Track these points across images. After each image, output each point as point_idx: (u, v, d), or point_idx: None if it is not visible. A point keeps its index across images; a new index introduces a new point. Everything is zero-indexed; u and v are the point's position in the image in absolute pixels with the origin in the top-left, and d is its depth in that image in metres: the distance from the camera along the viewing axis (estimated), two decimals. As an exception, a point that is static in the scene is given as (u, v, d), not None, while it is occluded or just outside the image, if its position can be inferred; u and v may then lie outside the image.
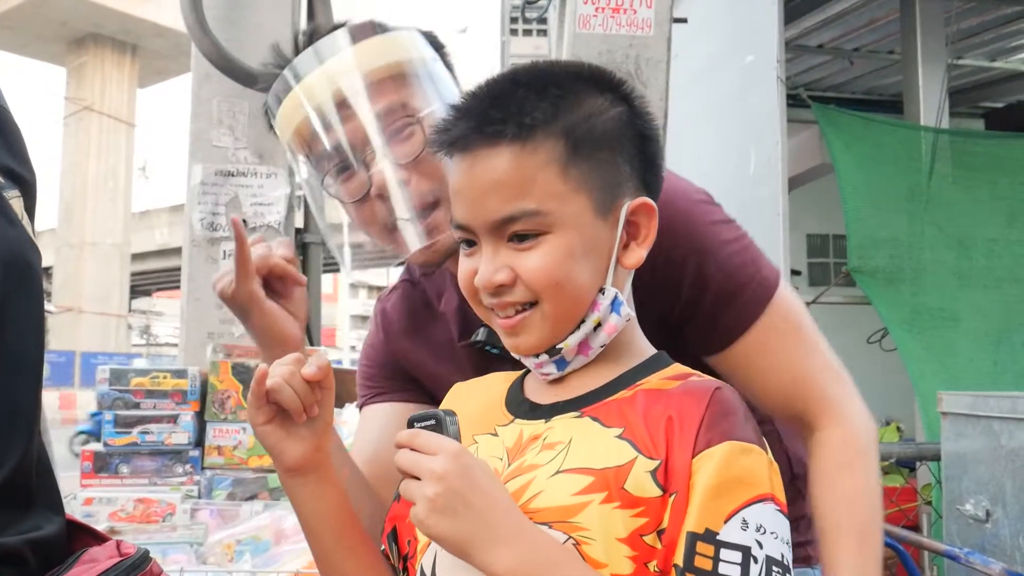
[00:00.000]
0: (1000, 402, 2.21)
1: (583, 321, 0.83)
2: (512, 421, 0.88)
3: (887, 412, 3.89)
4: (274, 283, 1.06)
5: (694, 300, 1.04)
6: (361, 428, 1.29)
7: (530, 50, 9.07)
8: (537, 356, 0.85)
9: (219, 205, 3.03)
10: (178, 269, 3.16)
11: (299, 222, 3.48)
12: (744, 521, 0.73)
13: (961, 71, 5.22)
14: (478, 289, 0.84)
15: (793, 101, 4.49)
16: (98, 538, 0.94)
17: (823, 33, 4.56)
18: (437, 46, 1.16)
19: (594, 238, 0.82)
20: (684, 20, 3.13)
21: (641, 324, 0.94)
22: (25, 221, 0.91)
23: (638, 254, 0.85)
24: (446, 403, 0.99)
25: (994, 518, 2.20)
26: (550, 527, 0.76)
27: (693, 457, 0.74)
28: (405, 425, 0.87)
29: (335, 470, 0.92)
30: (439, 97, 1.06)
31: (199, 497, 2.71)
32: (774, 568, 0.73)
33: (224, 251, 3.04)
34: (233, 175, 3.05)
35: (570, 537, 0.76)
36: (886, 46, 4.62)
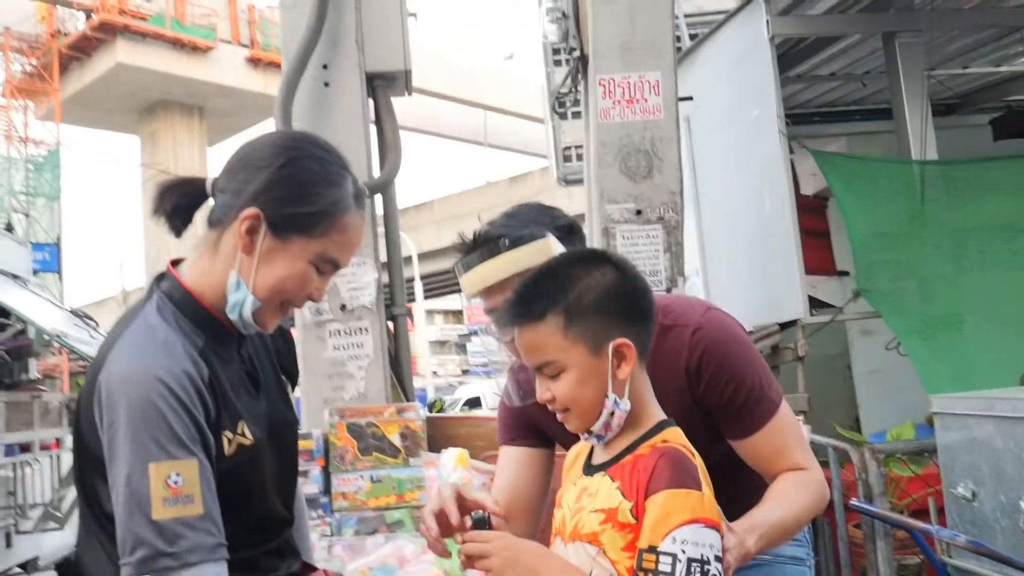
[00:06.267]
0: (969, 402, 2.69)
1: (601, 414, 1.38)
2: (581, 477, 1.45)
3: (911, 410, 4.26)
4: None
5: (728, 402, 1.58)
6: (501, 466, 1.85)
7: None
8: (584, 435, 1.41)
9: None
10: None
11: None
12: (674, 538, 1.22)
13: (967, 77, 5.61)
14: None
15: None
16: (314, 569, 1.57)
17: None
18: (569, 230, 1.67)
19: (593, 368, 1.36)
20: (690, 98, 3.66)
21: (694, 413, 1.50)
22: None
23: (626, 371, 1.37)
24: (566, 464, 1.53)
25: (979, 498, 2.66)
26: (589, 543, 1.33)
27: (645, 499, 1.28)
28: (532, 466, 1.69)
29: None
30: None
31: (332, 535, 3.32)
32: (693, 563, 1.22)
33: (329, 331, 3.69)
34: (330, 267, 3.69)
35: (600, 548, 1.31)
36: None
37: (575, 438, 1.48)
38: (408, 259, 21.07)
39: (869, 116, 6.00)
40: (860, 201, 3.70)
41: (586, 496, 1.38)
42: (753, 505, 1.53)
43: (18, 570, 7.39)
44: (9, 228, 9.49)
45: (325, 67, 3.75)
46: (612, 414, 1.35)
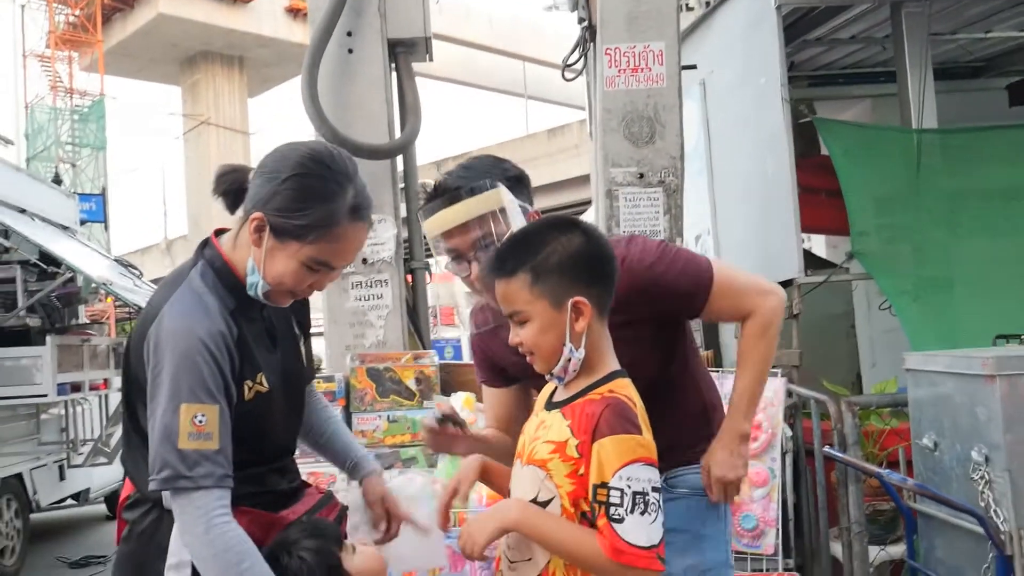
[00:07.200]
0: (936, 360, 2.88)
1: (559, 359, 1.63)
2: (542, 411, 1.70)
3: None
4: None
5: (672, 297, 1.86)
6: (485, 402, 2.20)
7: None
8: (547, 375, 1.67)
9: (345, 248, 3.94)
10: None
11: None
12: (620, 476, 1.45)
13: (989, 41, 5.63)
14: None
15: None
16: (308, 486, 1.86)
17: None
18: (518, 180, 1.93)
19: (553, 320, 1.59)
20: (693, 66, 3.82)
21: (650, 331, 1.78)
22: None
23: (582, 324, 1.60)
24: (538, 399, 1.79)
25: (940, 448, 2.87)
26: (539, 467, 1.58)
27: (592, 442, 1.51)
28: (508, 400, 2.05)
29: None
30: (515, 220, 1.85)
31: (352, 469, 3.64)
32: (637, 496, 1.47)
33: (352, 282, 3.97)
34: (353, 223, 3.95)
35: (547, 473, 1.56)
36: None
37: (539, 379, 1.74)
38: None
39: (894, 78, 6.05)
40: (857, 166, 3.85)
41: (542, 428, 1.64)
42: (699, 406, 1.96)
43: (71, 501, 7.93)
44: (57, 180, 9.90)
45: (349, 34, 3.97)
46: (569, 360, 1.59)
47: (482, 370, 2.13)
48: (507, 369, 2.04)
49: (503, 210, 1.84)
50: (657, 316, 1.88)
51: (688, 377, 1.99)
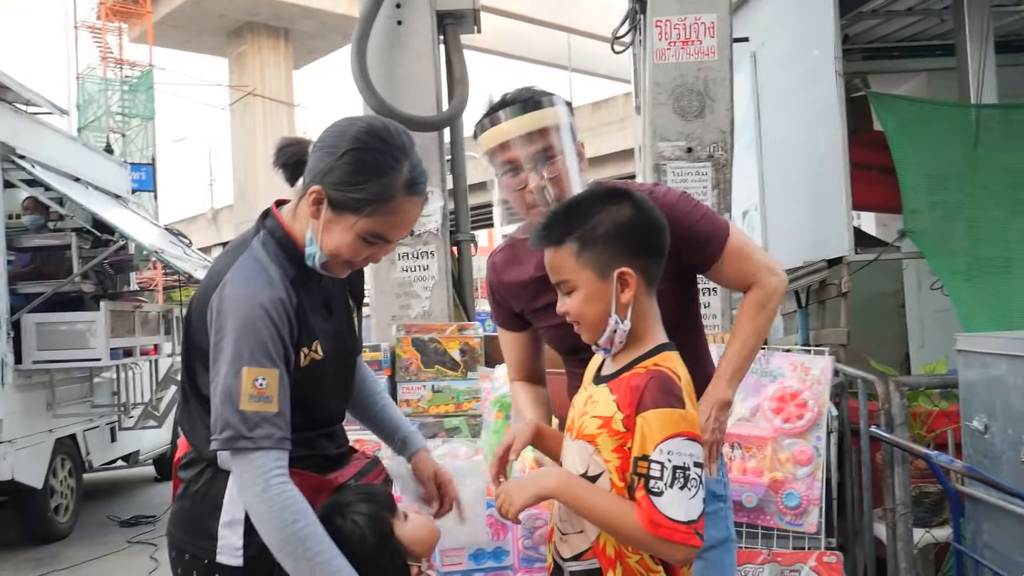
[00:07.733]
0: (989, 341, 2.83)
1: (605, 330, 1.63)
2: (591, 385, 1.70)
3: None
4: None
5: (688, 243, 1.88)
6: (503, 346, 2.20)
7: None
8: (592, 345, 1.67)
9: (391, 219, 3.97)
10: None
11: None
12: (661, 449, 1.45)
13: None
14: None
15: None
16: (355, 451, 1.90)
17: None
18: (568, 106, 1.96)
19: (599, 291, 1.59)
20: (745, 39, 3.75)
21: (671, 275, 1.75)
22: None
23: (628, 296, 1.60)
24: (587, 371, 1.78)
25: (991, 431, 2.83)
26: (588, 442, 1.59)
27: (636, 415, 1.51)
28: (526, 344, 2.09)
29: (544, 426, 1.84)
30: (569, 142, 1.90)
31: (396, 438, 3.69)
32: (677, 470, 1.46)
33: (398, 253, 4.00)
34: (399, 195, 3.97)
35: (596, 448, 1.57)
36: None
37: (545, 319, 1.84)
38: (484, 184, 21.25)
39: (951, 51, 5.89)
40: (912, 143, 3.76)
41: (590, 403, 1.64)
42: (700, 380, 1.87)
43: (121, 462, 8.16)
44: (108, 149, 10.08)
45: (398, 6, 3.98)
46: (614, 331, 1.59)
47: (499, 318, 2.17)
48: (520, 312, 2.08)
49: (559, 128, 1.87)
50: (674, 262, 1.83)
51: (690, 345, 1.94)
